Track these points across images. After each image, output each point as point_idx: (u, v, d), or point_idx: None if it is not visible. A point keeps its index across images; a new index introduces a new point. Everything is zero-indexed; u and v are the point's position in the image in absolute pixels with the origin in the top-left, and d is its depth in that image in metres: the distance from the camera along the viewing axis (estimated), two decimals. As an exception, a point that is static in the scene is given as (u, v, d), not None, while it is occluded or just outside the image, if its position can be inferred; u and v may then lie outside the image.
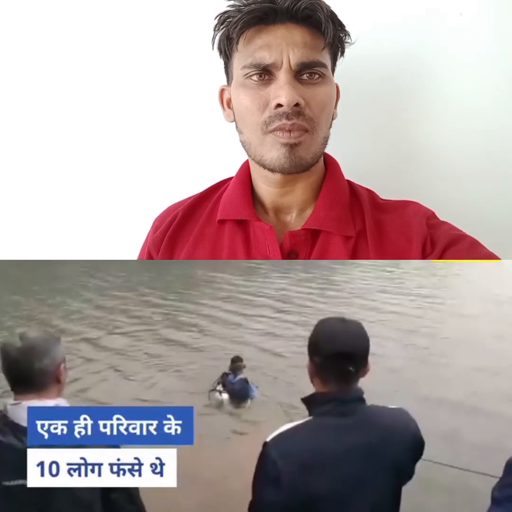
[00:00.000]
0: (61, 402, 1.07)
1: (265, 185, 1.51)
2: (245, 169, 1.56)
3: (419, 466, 1.11)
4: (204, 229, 1.56)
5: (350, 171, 1.58)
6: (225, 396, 3.51)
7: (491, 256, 1.40)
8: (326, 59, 1.41)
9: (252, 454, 1.07)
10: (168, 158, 1.86)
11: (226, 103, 1.51)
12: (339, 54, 1.48)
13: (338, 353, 1.03)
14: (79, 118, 1.86)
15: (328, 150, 1.50)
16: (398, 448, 1.06)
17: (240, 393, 3.50)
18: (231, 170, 1.61)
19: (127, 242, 1.80)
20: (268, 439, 1.04)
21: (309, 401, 1.08)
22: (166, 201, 1.68)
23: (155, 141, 1.86)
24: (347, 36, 1.44)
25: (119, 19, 1.81)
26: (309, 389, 1.10)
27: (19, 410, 1.03)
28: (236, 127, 1.48)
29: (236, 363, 3.67)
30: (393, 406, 1.13)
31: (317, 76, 1.39)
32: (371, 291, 7.35)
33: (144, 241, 1.68)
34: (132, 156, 1.87)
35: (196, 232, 1.56)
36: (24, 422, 1.02)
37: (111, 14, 1.81)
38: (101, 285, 7.89)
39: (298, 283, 8.02)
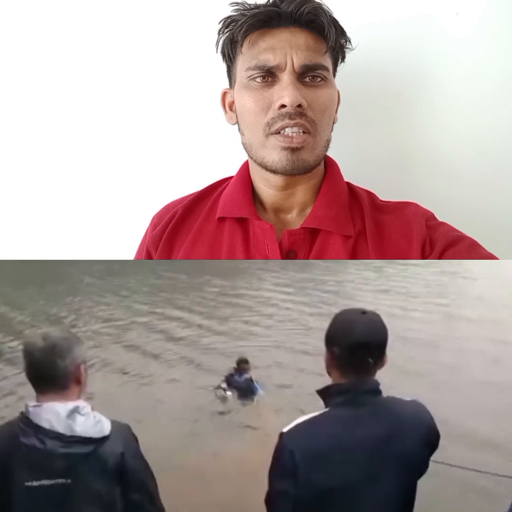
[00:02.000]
0: (82, 404, 1.07)
1: (266, 187, 1.51)
2: (245, 168, 1.57)
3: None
4: (203, 227, 1.56)
5: (350, 173, 1.58)
6: (229, 393, 3.54)
7: (490, 257, 1.40)
8: (328, 63, 1.44)
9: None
10: (168, 156, 1.86)
11: (228, 106, 1.53)
12: (340, 60, 1.51)
13: (358, 343, 1.03)
14: (80, 118, 1.86)
15: (328, 151, 1.50)
16: (413, 439, 1.05)
17: (246, 391, 3.53)
18: (231, 169, 1.62)
19: (125, 239, 1.79)
20: (284, 430, 1.04)
21: (324, 393, 1.08)
22: (165, 198, 1.67)
23: (155, 139, 1.86)
24: (347, 43, 1.47)
25: (123, 22, 1.82)
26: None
27: (41, 411, 1.04)
28: (239, 129, 1.50)
29: (241, 365, 3.70)
30: (408, 398, 1.12)
31: (319, 79, 1.41)
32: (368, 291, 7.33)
33: (142, 238, 1.67)
34: (131, 154, 1.87)
35: (195, 229, 1.56)
36: (45, 424, 1.03)
37: (115, 16, 1.82)
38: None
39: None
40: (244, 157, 1.56)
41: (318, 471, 0.99)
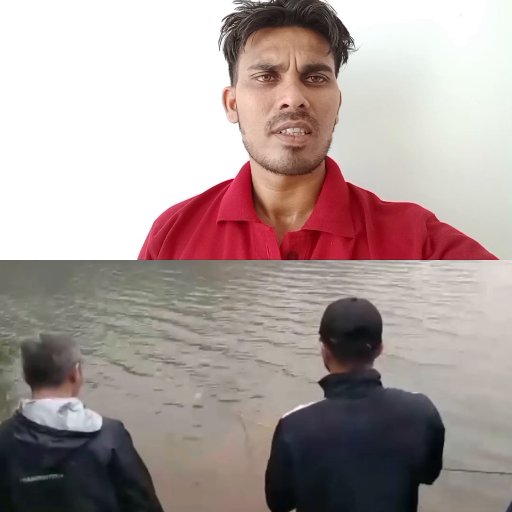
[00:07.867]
0: (74, 400, 1.10)
1: (266, 188, 1.51)
2: (245, 171, 1.57)
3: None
4: (203, 231, 1.56)
5: (350, 174, 1.58)
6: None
7: (491, 257, 1.41)
8: (330, 63, 1.44)
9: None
10: (169, 160, 1.85)
11: (230, 104, 1.53)
12: (342, 60, 1.51)
13: (355, 329, 1.04)
14: (80, 119, 1.86)
15: (328, 152, 1.50)
16: (413, 433, 1.03)
17: None
18: (231, 172, 1.61)
19: (127, 243, 1.80)
20: (283, 416, 1.06)
21: (324, 383, 1.09)
22: (166, 202, 1.68)
23: (156, 142, 1.85)
24: (350, 43, 1.47)
25: (125, 19, 1.81)
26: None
27: (34, 408, 1.07)
28: (240, 128, 1.50)
29: None
30: (413, 392, 1.10)
31: (321, 79, 1.41)
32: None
33: (143, 242, 1.68)
34: (132, 157, 1.86)
35: (195, 233, 1.56)
36: (38, 420, 1.06)
37: (116, 13, 1.81)
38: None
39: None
40: (244, 159, 1.56)
41: (314, 461, 1.01)
